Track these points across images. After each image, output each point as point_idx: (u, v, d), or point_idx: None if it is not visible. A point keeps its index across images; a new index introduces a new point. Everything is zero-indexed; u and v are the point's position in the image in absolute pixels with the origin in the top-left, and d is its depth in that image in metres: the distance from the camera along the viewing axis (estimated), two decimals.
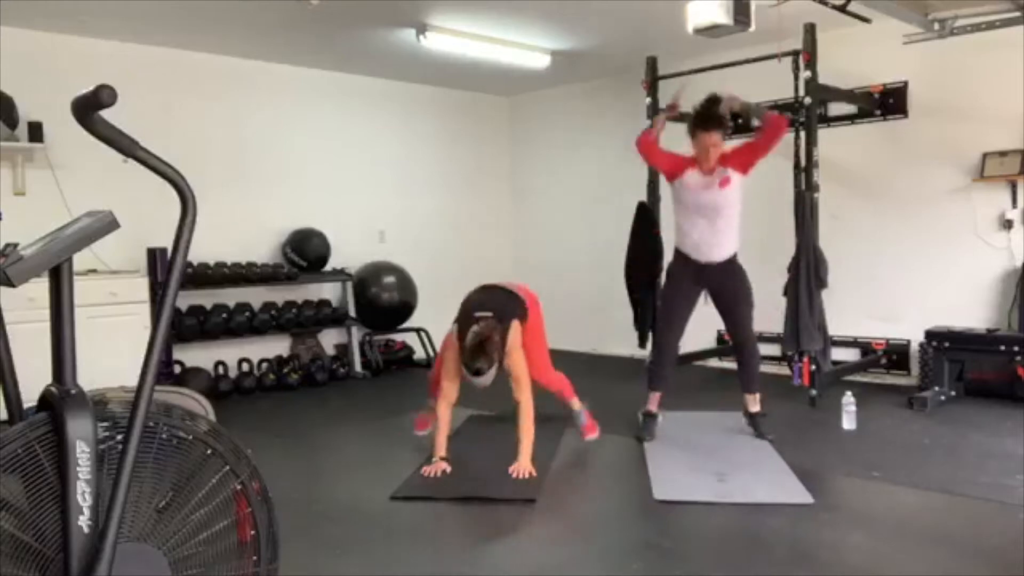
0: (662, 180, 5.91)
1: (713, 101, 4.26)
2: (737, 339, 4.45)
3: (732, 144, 4.49)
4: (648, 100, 5.87)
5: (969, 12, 5.12)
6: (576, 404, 4.51)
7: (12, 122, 5.17)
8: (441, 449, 3.95)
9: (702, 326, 6.86)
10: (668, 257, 5.84)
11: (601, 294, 7.22)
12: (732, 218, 4.29)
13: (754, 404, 4.43)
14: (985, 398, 5.14)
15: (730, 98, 4.29)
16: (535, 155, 8.42)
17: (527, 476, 3.72)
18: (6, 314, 1.72)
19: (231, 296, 6.28)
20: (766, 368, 6.52)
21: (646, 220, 5.86)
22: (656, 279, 5.91)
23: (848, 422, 4.56)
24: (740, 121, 6.71)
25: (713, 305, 4.46)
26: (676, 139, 6.40)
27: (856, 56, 5.86)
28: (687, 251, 4.38)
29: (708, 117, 4.23)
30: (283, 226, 6.71)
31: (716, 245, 4.29)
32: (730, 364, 6.60)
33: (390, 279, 7.03)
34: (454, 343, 3.96)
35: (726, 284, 4.34)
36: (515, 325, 4.03)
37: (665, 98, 5.92)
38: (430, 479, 3.77)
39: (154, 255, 5.63)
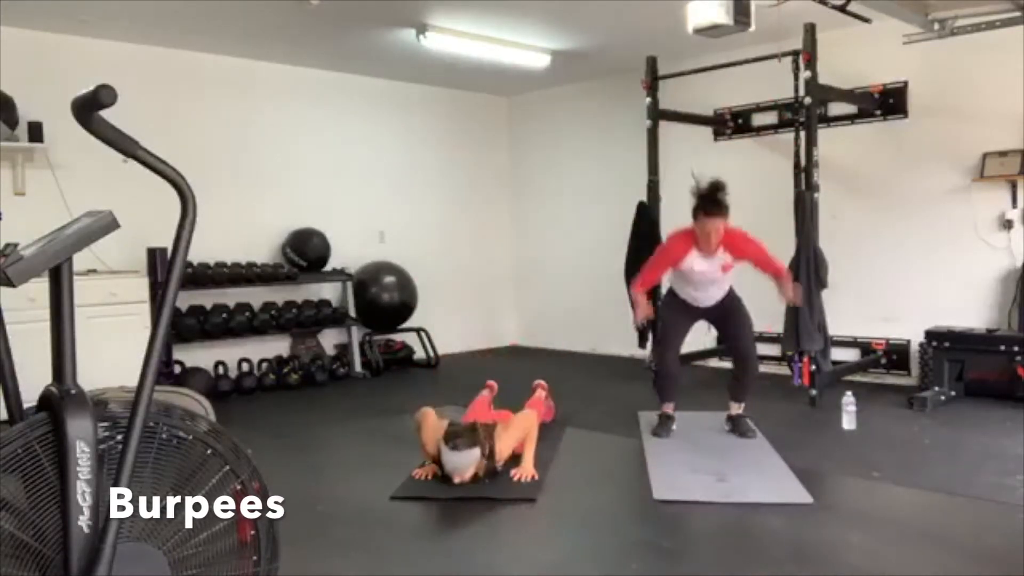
0: (663, 181, 5.95)
1: (718, 187, 4.08)
2: (738, 353, 4.49)
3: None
4: (648, 100, 5.87)
5: (969, 12, 5.12)
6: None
7: (12, 122, 5.17)
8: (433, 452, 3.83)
9: (700, 326, 6.90)
10: None
11: (601, 294, 7.21)
12: (728, 281, 4.34)
13: (737, 409, 4.48)
14: (985, 398, 5.13)
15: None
16: (535, 155, 8.42)
17: (529, 479, 3.72)
18: (6, 314, 1.72)
19: (231, 296, 6.28)
20: (766, 368, 6.54)
21: (646, 220, 5.86)
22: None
23: (848, 422, 4.55)
24: (740, 122, 6.73)
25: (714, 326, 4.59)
26: (677, 140, 6.44)
27: (856, 56, 5.86)
28: (685, 298, 4.41)
29: (714, 201, 4.05)
30: (283, 226, 6.71)
31: (714, 295, 4.34)
32: (730, 365, 6.60)
33: (390, 279, 7.03)
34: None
35: (725, 309, 4.40)
36: (498, 431, 3.78)
37: (665, 98, 5.96)
38: (429, 479, 3.76)
39: (154, 255, 5.62)
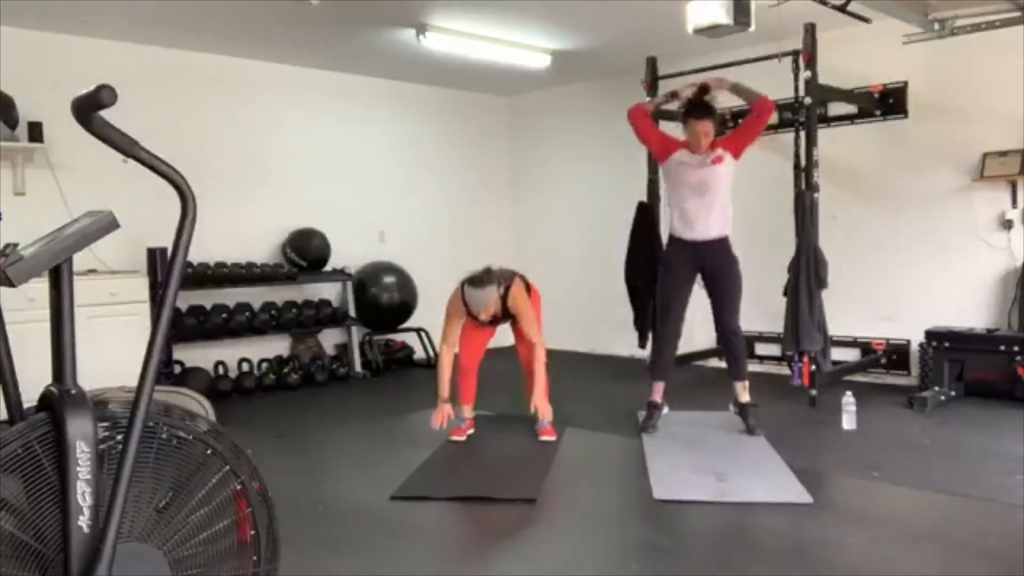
0: (663, 180, 5.94)
1: (704, 90, 4.40)
2: (723, 325, 4.50)
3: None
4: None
5: (969, 12, 5.12)
6: (547, 410, 4.46)
7: (12, 122, 5.17)
8: (444, 391, 4.33)
9: (701, 326, 6.90)
10: None
11: (601, 294, 7.21)
12: (724, 196, 4.42)
13: (744, 394, 4.51)
14: (985, 398, 5.14)
15: (718, 81, 4.47)
16: (535, 155, 8.42)
17: (549, 417, 4.27)
18: (6, 314, 1.72)
19: (231, 296, 6.28)
20: (766, 368, 6.55)
21: (646, 220, 5.85)
22: (656, 279, 5.90)
23: (848, 422, 4.56)
24: (739, 121, 6.73)
25: (705, 289, 4.57)
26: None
27: (856, 56, 5.86)
28: (680, 232, 4.49)
29: (700, 105, 4.35)
30: (283, 226, 6.71)
31: (709, 222, 4.41)
32: None
33: (390, 279, 7.03)
34: (459, 294, 4.33)
35: (720, 265, 4.44)
36: (518, 281, 4.47)
37: None
38: (430, 478, 3.78)
39: (154, 255, 5.62)
